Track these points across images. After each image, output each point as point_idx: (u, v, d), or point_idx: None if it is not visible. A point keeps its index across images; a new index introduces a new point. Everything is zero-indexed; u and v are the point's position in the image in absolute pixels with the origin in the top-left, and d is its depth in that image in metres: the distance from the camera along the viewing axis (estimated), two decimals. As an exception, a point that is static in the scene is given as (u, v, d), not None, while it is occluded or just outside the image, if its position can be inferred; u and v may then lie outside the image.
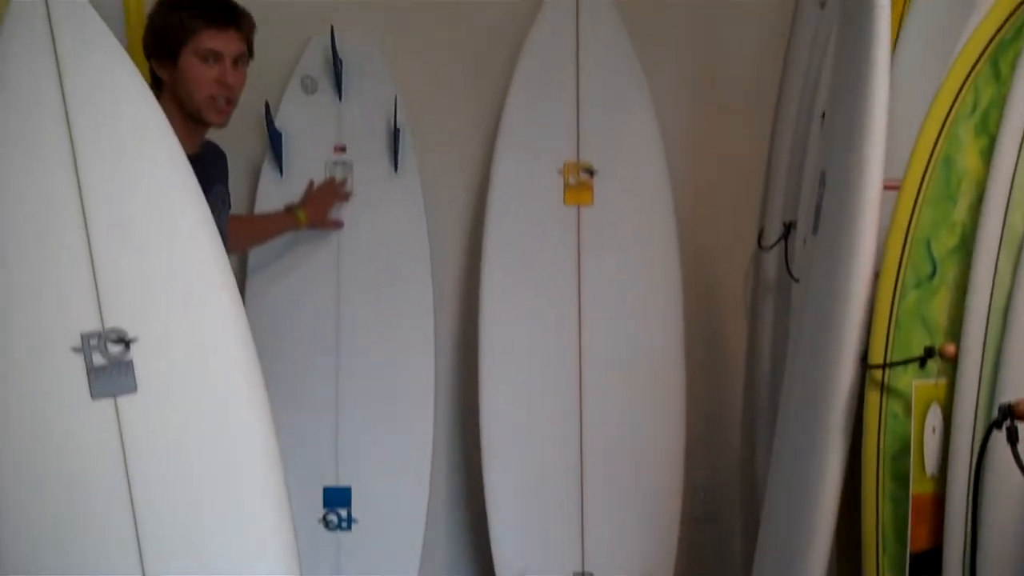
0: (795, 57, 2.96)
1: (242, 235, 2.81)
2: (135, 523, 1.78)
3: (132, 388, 1.78)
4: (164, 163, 1.86)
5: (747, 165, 3.20)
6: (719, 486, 3.38)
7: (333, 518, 3.03)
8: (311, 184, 3.05)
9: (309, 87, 3.17)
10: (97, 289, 1.77)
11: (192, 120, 2.30)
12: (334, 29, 3.07)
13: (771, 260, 2.95)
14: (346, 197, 3.08)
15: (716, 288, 3.33)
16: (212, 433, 1.84)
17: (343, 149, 3.17)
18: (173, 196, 1.85)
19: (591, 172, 3.07)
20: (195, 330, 1.84)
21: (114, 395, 1.78)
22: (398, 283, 3.13)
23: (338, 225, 3.05)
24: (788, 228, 2.79)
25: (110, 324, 1.78)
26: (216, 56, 2.25)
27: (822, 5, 2.81)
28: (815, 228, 2.17)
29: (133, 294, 1.80)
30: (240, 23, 2.29)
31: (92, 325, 1.77)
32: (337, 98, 3.16)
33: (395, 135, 3.11)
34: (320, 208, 3.00)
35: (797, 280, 2.55)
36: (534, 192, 3.08)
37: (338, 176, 3.14)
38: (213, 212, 2.17)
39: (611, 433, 3.01)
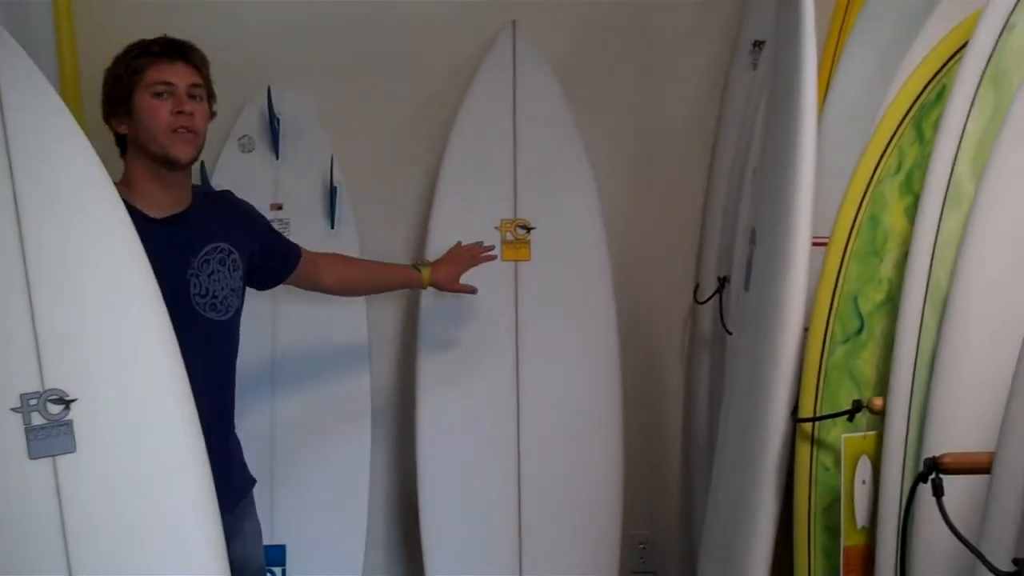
0: (728, 116, 3.03)
1: (356, 280, 2.74)
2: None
3: (71, 448, 1.77)
4: (108, 226, 1.86)
5: (682, 221, 3.26)
6: (658, 538, 3.39)
7: (267, 578, 2.99)
8: (458, 244, 2.89)
9: (246, 146, 3.18)
10: (38, 350, 1.76)
11: (162, 166, 2.17)
12: (271, 89, 3.09)
13: (707, 314, 2.99)
14: (491, 258, 2.89)
15: (653, 341, 3.36)
16: (150, 492, 1.83)
17: (280, 207, 3.17)
18: (116, 259, 1.86)
19: (528, 228, 3.10)
20: (134, 391, 1.84)
21: (53, 455, 1.76)
22: (334, 342, 3.13)
23: (471, 291, 2.86)
24: (722, 282, 2.85)
25: (50, 384, 1.77)
26: (168, 87, 2.16)
27: (754, 66, 2.89)
28: (746, 284, 2.21)
29: (74, 355, 1.79)
30: (188, 55, 2.22)
31: (32, 386, 1.76)
32: (274, 157, 3.17)
33: (332, 193, 3.12)
34: (454, 269, 2.81)
35: (731, 333, 2.59)
36: (472, 249, 3.10)
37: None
38: (200, 272, 2.18)
39: (549, 486, 3.02)
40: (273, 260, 2.46)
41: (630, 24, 3.27)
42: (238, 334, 2.33)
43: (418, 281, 2.77)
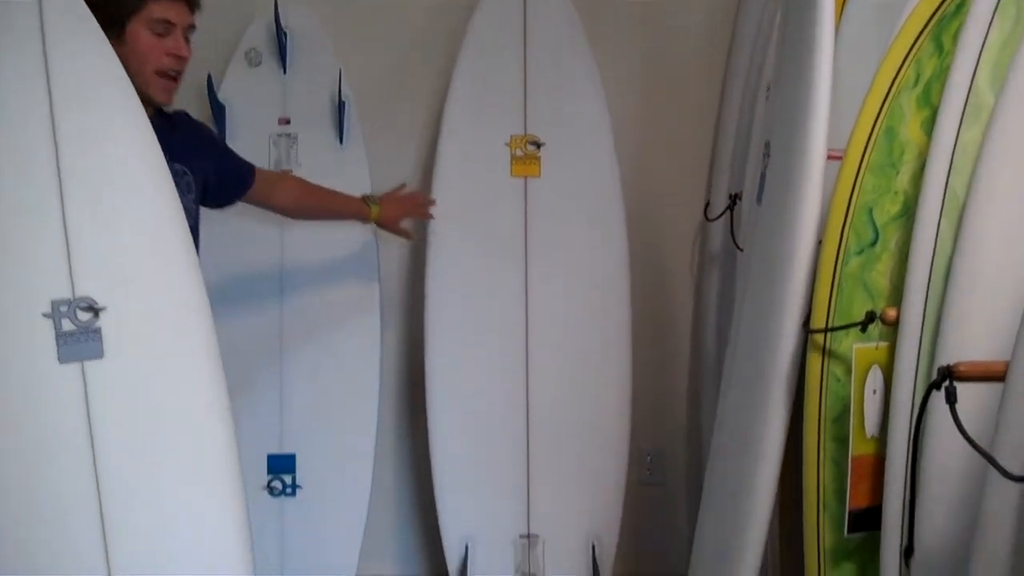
0: (742, 32, 3.00)
1: (310, 204, 2.76)
2: (96, 481, 1.83)
3: (99, 354, 1.84)
4: (139, 145, 1.93)
5: (694, 138, 3.25)
6: (666, 451, 3.43)
7: (277, 485, 3.04)
8: (402, 186, 2.97)
9: (253, 60, 3.16)
10: (70, 259, 1.84)
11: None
12: (278, 2, 3.06)
13: (717, 231, 2.99)
14: (428, 216, 3.02)
15: (663, 259, 3.37)
16: (172, 398, 1.92)
17: (287, 121, 3.17)
18: (144, 173, 1.93)
19: (538, 145, 3.09)
20: (159, 301, 1.92)
21: (81, 360, 1.84)
22: (343, 256, 3.14)
23: (408, 236, 2.97)
24: (734, 199, 2.84)
25: (80, 292, 1.84)
26: (168, 26, 2.16)
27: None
28: (759, 198, 2.20)
29: (103, 265, 1.87)
30: None
31: (63, 293, 1.83)
32: (281, 71, 3.16)
33: (340, 107, 3.11)
34: (397, 211, 2.90)
35: (742, 250, 2.60)
36: (481, 164, 3.10)
37: (283, 149, 3.13)
38: None
39: (558, 400, 3.05)
40: (227, 180, 2.47)
41: (643, -63, 3.24)
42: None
43: (366, 215, 2.82)
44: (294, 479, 3.06)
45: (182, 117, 2.42)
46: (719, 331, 2.92)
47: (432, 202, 2.99)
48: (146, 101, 2.11)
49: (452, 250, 3.08)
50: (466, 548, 3.05)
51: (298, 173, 3.11)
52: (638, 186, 3.23)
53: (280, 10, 3.07)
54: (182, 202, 2.18)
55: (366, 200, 2.82)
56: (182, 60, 2.21)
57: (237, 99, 3.13)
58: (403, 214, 2.91)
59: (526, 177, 3.09)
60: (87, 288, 1.84)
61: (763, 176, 2.17)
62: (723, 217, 2.91)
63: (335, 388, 3.09)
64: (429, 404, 3.06)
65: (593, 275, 3.09)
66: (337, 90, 3.12)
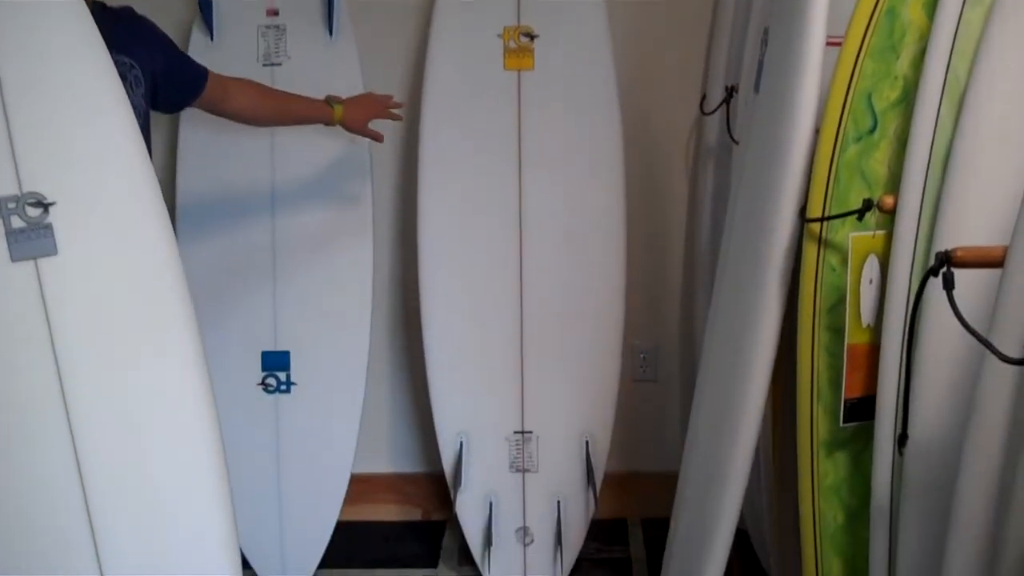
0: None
1: (268, 107, 2.67)
2: (59, 378, 1.80)
3: (52, 250, 1.79)
4: (76, 28, 1.84)
5: (691, 29, 3.18)
6: (659, 348, 3.43)
7: (272, 381, 3.04)
8: (369, 93, 2.87)
9: (240, -51, 3.08)
10: (14, 154, 1.77)
11: None
12: None
13: (713, 124, 2.95)
14: (397, 118, 2.88)
15: (658, 153, 3.33)
16: (132, 293, 1.87)
17: (276, 13, 3.10)
18: (85, 62, 1.85)
19: (532, 36, 3.03)
20: (110, 192, 1.86)
21: (34, 257, 1.78)
22: (334, 150, 3.10)
23: (376, 138, 2.83)
24: (730, 92, 2.79)
25: (28, 188, 1.78)
26: None
27: None
28: (757, 87, 2.17)
29: (50, 159, 1.80)
30: None
31: (10, 189, 1.77)
32: (270, -40, 3.08)
33: (329, -1, 3.04)
34: (363, 113, 2.77)
35: (738, 142, 2.56)
36: (473, 56, 3.05)
37: (271, 42, 3.07)
38: None
39: (551, 296, 3.04)
40: (177, 80, 2.40)
41: None
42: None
43: (330, 117, 2.72)
44: (288, 376, 3.06)
45: (127, 11, 2.37)
46: (714, 226, 2.90)
47: (400, 104, 2.88)
48: None
49: (445, 144, 3.04)
50: (461, 444, 3.07)
51: (287, 67, 3.07)
52: (633, 79, 3.17)
53: None
54: (130, 98, 2.10)
55: (329, 101, 2.73)
56: None
57: (225, -10, 3.06)
58: (369, 116, 2.80)
59: (519, 70, 3.04)
60: (35, 184, 1.78)
61: (761, 64, 2.13)
62: (719, 110, 2.86)
63: (329, 286, 3.08)
64: (423, 301, 3.05)
65: (587, 170, 3.06)
66: (326, -21, 3.05)
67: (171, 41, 2.46)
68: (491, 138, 3.04)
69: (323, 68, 3.07)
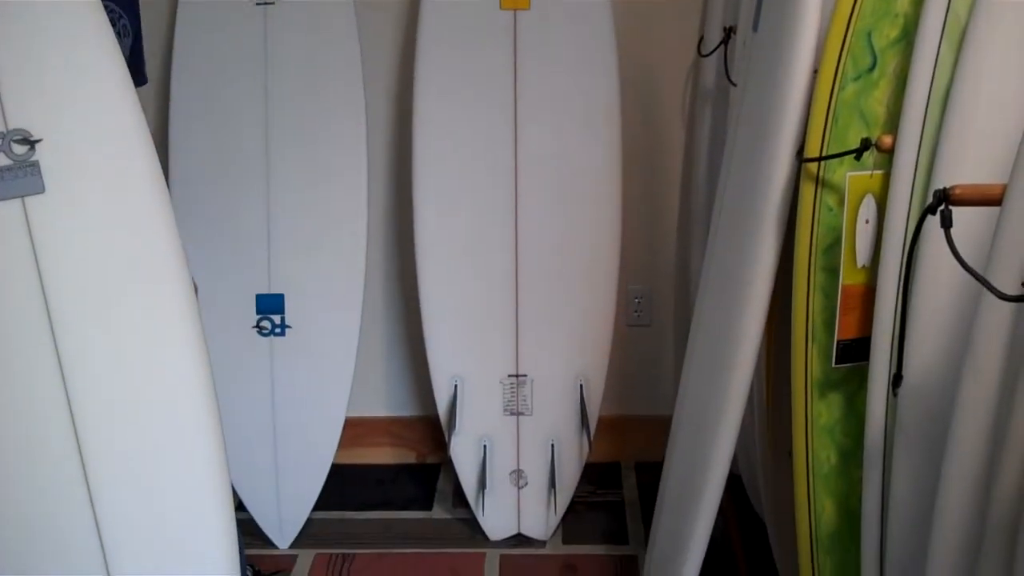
0: None
1: None
2: (49, 317, 1.79)
3: (40, 188, 1.77)
4: None
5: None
6: (654, 292, 3.42)
7: (267, 324, 3.03)
8: None
9: None
10: None
11: None
12: None
13: (710, 67, 2.92)
14: None
15: (655, 96, 3.30)
16: (121, 233, 1.84)
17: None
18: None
19: (528, -25, 2.99)
20: (97, 129, 1.82)
21: (22, 196, 1.77)
22: (328, 92, 3.07)
23: None
24: (728, 33, 2.76)
25: (13, 125, 1.76)
26: None
27: None
28: (755, 25, 2.14)
29: (35, 95, 1.77)
30: None
31: None
32: None
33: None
34: None
35: (735, 84, 2.53)
36: (469, -5, 3.00)
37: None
38: None
39: (546, 240, 3.02)
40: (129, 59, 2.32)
41: None
42: None
43: None
44: (283, 319, 3.05)
45: None
46: (710, 170, 2.88)
47: None
48: None
49: (439, 86, 3.01)
50: (455, 388, 3.07)
51: (279, 6, 3.02)
52: (630, 19, 3.14)
53: None
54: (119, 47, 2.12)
55: None
56: None
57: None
58: None
59: (515, 9, 3.00)
60: (20, 120, 1.76)
61: (759, 2, 2.10)
62: (717, 52, 2.83)
63: (323, 229, 3.06)
64: (417, 245, 3.04)
65: (583, 113, 3.02)
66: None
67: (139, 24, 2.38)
68: (487, 81, 3.01)
69: (316, 8, 3.03)
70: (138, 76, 2.35)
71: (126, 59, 2.15)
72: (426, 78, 3.00)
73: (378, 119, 3.25)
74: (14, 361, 1.79)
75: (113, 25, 2.10)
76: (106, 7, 2.08)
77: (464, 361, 3.07)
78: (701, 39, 3.00)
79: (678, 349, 3.26)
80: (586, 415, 3.05)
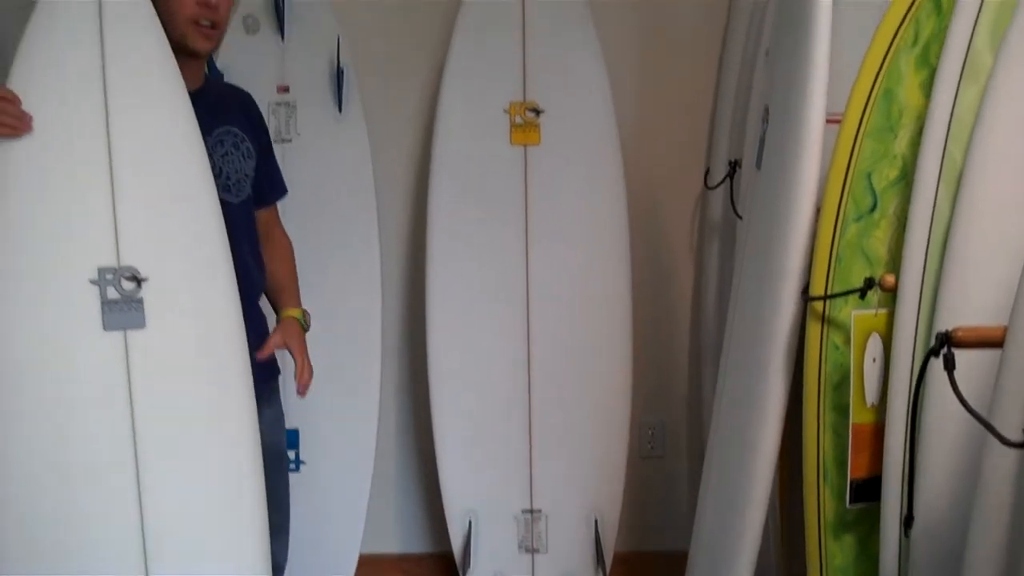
0: (740, -5, 2.96)
1: (270, 272, 2.43)
2: (134, 442, 1.92)
3: (141, 323, 1.91)
4: (181, 125, 1.97)
5: (693, 105, 3.21)
6: (667, 424, 3.41)
7: (283, 460, 3.02)
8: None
9: (251, 27, 3.12)
10: (116, 229, 1.90)
11: (180, 52, 2.09)
12: (275, -32, 3.03)
13: (717, 199, 2.96)
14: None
15: (663, 227, 3.33)
16: (204, 369, 1.98)
17: (286, 89, 3.12)
18: (186, 155, 1.97)
19: (537, 112, 3.05)
20: (196, 278, 1.98)
21: (124, 328, 1.91)
22: (343, 225, 3.10)
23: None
24: (734, 167, 2.81)
25: (125, 262, 1.90)
26: None
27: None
28: (758, 163, 2.17)
29: (147, 237, 1.92)
30: None
31: (109, 261, 1.89)
32: (279, 38, 3.11)
33: (339, 75, 3.07)
34: (279, 339, 2.42)
35: (741, 217, 2.57)
36: (480, 132, 3.06)
37: (281, 119, 3.11)
38: (213, 151, 2.14)
39: (559, 372, 3.02)
40: (261, 176, 2.36)
41: None
42: (255, 222, 2.32)
43: (279, 313, 2.51)
44: (298, 455, 3.04)
45: (245, 93, 2.39)
46: (720, 301, 2.90)
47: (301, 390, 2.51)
48: (189, 52, 2.11)
49: (452, 219, 3.05)
50: (469, 524, 3.04)
51: (297, 143, 3.09)
52: (638, 153, 3.19)
53: (276, -23, 3.03)
54: (242, 166, 2.23)
55: (288, 312, 2.47)
56: (211, 8, 2.11)
57: (235, 66, 3.08)
58: (280, 346, 2.44)
59: (526, 145, 3.05)
60: (131, 258, 1.90)
61: (762, 141, 2.14)
62: (723, 185, 2.88)
63: (338, 365, 3.06)
64: (431, 377, 3.04)
65: (593, 244, 3.05)
66: (336, 57, 3.08)
67: (270, 141, 2.45)
68: (498, 212, 3.05)
69: (333, 144, 3.09)
70: (271, 192, 2.42)
71: (250, 179, 2.27)
72: (439, 210, 3.04)
73: (392, 248, 3.29)
74: (97, 482, 1.91)
75: (236, 148, 2.23)
76: (228, 131, 2.20)
77: (478, 494, 3.05)
78: (707, 171, 3.05)
79: (692, 481, 3.23)
80: (601, 552, 3.01)
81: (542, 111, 3.04)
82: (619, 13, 3.22)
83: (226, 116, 2.24)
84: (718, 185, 2.90)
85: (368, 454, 3.06)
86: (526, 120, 3.04)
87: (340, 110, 3.10)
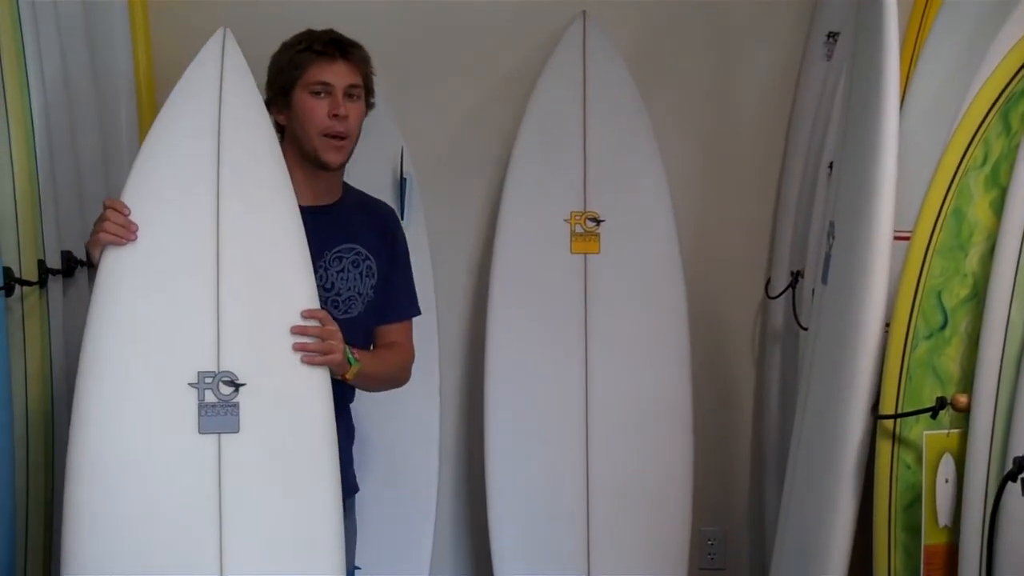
0: (802, 107, 3.00)
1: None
2: (220, 544, 1.93)
3: (235, 428, 1.94)
4: (291, 238, 2.02)
5: (753, 215, 3.23)
6: (728, 535, 3.36)
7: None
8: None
9: (318, 137, 3.18)
10: (219, 333, 1.94)
11: (312, 164, 2.19)
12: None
13: (778, 309, 2.96)
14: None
15: (723, 337, 3.33)
16: (293, 475, 1.99)
17: (350, 198, 3.17)
18: (292, 267, 2.02)
19: (598, 221, 3.08)
20: (291, 383, 1.99)
21: (219, 432, 1.93)
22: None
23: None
24: (795, 277, 2.81)
25: (225, 367, 1.94)
26: (326, 88, 2.17)
27: (828, 57, 2.85)
28: (824, 278, 2.17)
29: (247, 345, 1.97)
30: (348, 54, 2.22)
31: (209, 365, 1.94)
32: (346, 148, 3.17)
33: (402, 184, 3.11)
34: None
35: (805, 328, 2.56)
36: (541, 241, 3.08)
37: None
38: (330, 266, 2.19)
39: (618, 481, 2.99)
40: (386, 291, 2.34)
41: (702, 14, 3.25)
42: (360, 337, 2.26)
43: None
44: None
45: (386, 210, 2.41)
46: (781, 411, 2.88)
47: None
48: (321, 164, 2.18)
49: (512, 327, 3.06)
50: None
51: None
52: (698, 262, 3.20)
53: (343, 89, 3.09)
54: (357, 285, 2.25)
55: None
56: (343, 120, 2.18)
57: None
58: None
59: (586, 254, 3.07)
60: (231, 364, 1.94)
61: (828, 257, 2.14)
62: (784, 295, 2.87)
63: (393, 473, 3.04)
64: (489, 481, 3.02)
65: (653, 353, 3.05)
66: (399, 166, 3.13)
67: (408, 260, 2.42)
68: (558, 320, 3.05)
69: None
70: (392, 312, 2.38)
71: (363, 297, 2.27)
72: (499, 317, 3.05)
73: (451, 356, 3.29)
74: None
75: (355, 266, 2.25)
76: (351, 249, 2.24)
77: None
78: (768, 281, 3.05)
79: (754, 593, 3.18)
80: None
81: (602, 220, 3.07)
82: (679, 123, 3.25)
83: (353, 232, 2.26)
84: (780, 295, 2.90)
85: (424, 554, 3.02)
86: (586, 229, 3.07)
87: (402, 218, 3.13)
